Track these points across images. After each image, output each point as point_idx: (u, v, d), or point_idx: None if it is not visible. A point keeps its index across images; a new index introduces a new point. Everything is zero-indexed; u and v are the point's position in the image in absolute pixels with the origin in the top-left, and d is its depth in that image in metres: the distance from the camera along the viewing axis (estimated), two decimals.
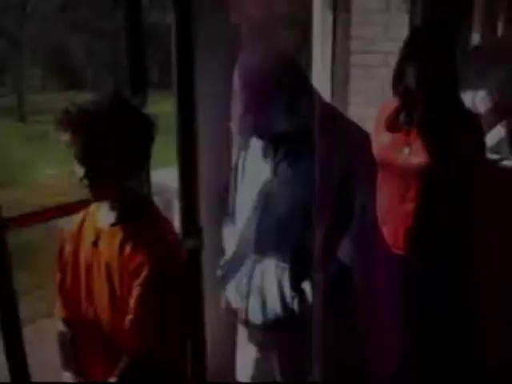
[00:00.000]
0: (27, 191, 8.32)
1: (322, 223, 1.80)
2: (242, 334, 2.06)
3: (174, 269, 1.58)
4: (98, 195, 1.56)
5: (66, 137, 1.48)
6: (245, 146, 2.00)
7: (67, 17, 14.73)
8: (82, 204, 1.77)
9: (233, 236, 2.03)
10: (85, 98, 1.52)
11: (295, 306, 1.82)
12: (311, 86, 1.85)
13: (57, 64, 16.61)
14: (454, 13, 3.48)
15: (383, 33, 3.35)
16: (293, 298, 1.82)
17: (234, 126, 1.81)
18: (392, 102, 2.38)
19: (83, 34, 14.53)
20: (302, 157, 1.82)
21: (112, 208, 1.59)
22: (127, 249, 1.53)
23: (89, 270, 1.62)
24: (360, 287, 1.84)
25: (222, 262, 2.05)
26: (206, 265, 2.33)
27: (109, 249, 1.57)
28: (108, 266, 1.56)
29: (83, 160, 1.48)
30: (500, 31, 4.98)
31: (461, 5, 3.55)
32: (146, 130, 1.55)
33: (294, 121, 1.74)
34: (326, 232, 1.81)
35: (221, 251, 2.11)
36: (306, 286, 1.83)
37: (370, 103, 3.43)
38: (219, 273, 2.04)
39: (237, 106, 1.77)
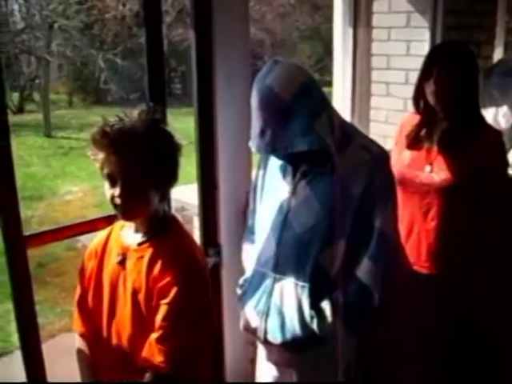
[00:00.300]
0: (52, 206, 8.43)
1: (340, 242, 1.80)
2: (262, 352, 2.05)
3: (201, 287, 1.61)
4: (128, 215, 1.58)
5: (100, 156, 1.51)
6: (263, 165, 2.01)
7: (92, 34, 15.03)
8: (106, 221, 1.80)
9: (252, 254, 2.02)
10: (118, 115, 1.54)
11: (314, 325, 1.81)
12: (329, 104, 1.85)
13: (82, 81, 16.94)
14: (476, 29, 3.47)
15: (404, 49, 3.36)
16: (312, 317, 1.81)
17: (253, 144, 1.81)
18: (412, 119, 2.38)
19: (107, 51, 14.79)
20: (321, 176, 1.82)
21: (139, 227, 1.62)
22: (156, 268, 1.55)
23: (113, 287, 1.63)
24: (380, 307, 1.81)
25: (241, 281, 2.05)
26: (226, 283, 2.34)
27: (136, 267, 1.59)
28: (135, 284, 1.58)
29: (119, 179, 1.50)
30: None
31: (483, 21, 3.53)
32: (176, 149, 1.58)
33: (312, 140, 1.72)
34: (345, 251, 1.81)
35: (240, 270, 2.12)
36: (326, 305, 1.81)
37: (390, 120, 3.44)
38: (238, 291, 2.04)
39: (254, 125, 1.77)
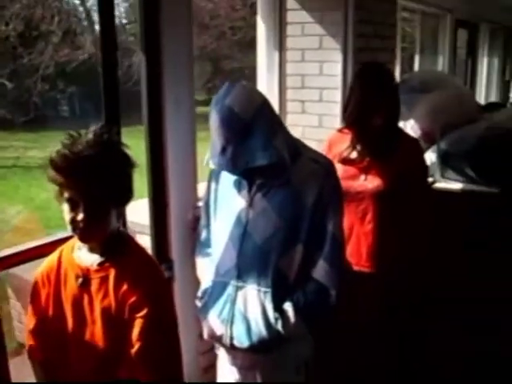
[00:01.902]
0: None
1: (298, 248, 1.95)
2: (223, 358, 2.15)
3: (169, 297, 1.71)
4: (90, 237, 1.60)
5: (60, 179, 1.51)
6: (215, 181, 2.12)
7: None
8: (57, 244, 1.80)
9: (208, 267, 2.12)
10: (71, 135, 1.54)
11: (279, 326, 1.94)
12: (282, 123, 2.01)
13: None
14: (380, 50, 3.80)
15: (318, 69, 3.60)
16: (276, 319, 1.94)
17: (213, 162, 1.91)
18: (340, 136, 2.62)
19: None
20: (276, 188, 1.96)
21: (95, 247, 1.64)
22: (124, 285, 1.59)
23: (77, 310, 1.63)
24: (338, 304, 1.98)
25: (199, 293, 2.14)
26: (178, 297, 2.41)
27: (102, 287, 1.61)
28: (104, 303, 1.60)
29: (81, 203, 1.52)
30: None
31: (385, 43, 3.87)
32: (131, 167, 1.62)
33: (271, 154, 1.87)
34: (302, 255, 1.96)
35: (192, 283, 2.22)
36: (288, 306, 1.95)
37: (306, 136, 3.67)
38: (198, 303, 2.12)
39: (215, 143, 1.88)
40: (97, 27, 18.34)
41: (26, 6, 14.21)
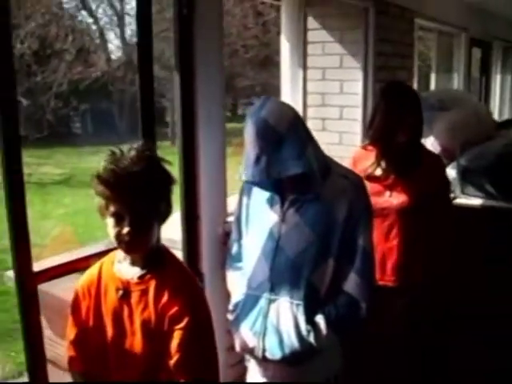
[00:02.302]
0: None
1: (329, 262, 2.00)
2: (254, 370, 2.18)
3: (207, 309, 1.74)
4: (135, 250, 1.65)
5: (107, 194, 1.57)
6: (247, 196, 2.17)
7: None
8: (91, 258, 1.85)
9: (239, 280, 2.17)
10: (113, 152, 1.60)
11: (311, 338, 1.98)
12: (313, 137, 2.06)
13: None
14: (399, 69, 3.87)
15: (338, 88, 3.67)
16: (308, 331, 1.98)
17: (246, 173, 1.96)
18: (365, 153, 2.67)
19: None
20: (308, 204, 2.01)
21: (137, 260, 1.69)
22: (164, 297, 1.64)
23: (118, 322, 1.68)
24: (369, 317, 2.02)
25: (231, 307, 2.18)
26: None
27: (142, 299, 1.66)
28: (144, 316, 1.65)
29: (127, 217, 1.57)
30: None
31: (404, 63, 3.94)
32: (172, 183, 1.69)
33: (304, 164, 1.91)
34: (333, 269, 2.01)
35: (222, 296, 2.27)
36: (320, 319, 2.00)
37: (326, 153, 3.73)
38: (230, 317, 2.17)
39: (249, 154, 1.93)
40: (110, 45, 18.62)
41: (41, 24, 14.45)
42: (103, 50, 16.95)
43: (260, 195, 2.11)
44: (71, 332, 1.75)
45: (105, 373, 1.71)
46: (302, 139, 1.96)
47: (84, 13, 16.88)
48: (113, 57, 17.72)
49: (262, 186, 2.07)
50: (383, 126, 2.51)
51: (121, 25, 17.25)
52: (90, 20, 16.90)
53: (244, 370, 2.27)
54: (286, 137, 1.90)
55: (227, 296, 2.24)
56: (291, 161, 1.90)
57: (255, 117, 1.92)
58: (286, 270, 2.01)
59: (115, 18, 17.49)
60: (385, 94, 2.58)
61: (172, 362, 1.63)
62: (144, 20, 2.10)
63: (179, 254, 2.42)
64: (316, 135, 3.72)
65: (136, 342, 1.66)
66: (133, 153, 1.61)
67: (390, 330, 2.60)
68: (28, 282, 1.80)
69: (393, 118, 2.48)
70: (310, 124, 3.77)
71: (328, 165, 2.07)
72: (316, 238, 1.99)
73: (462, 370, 3.05)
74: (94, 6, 17.09)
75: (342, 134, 3.72)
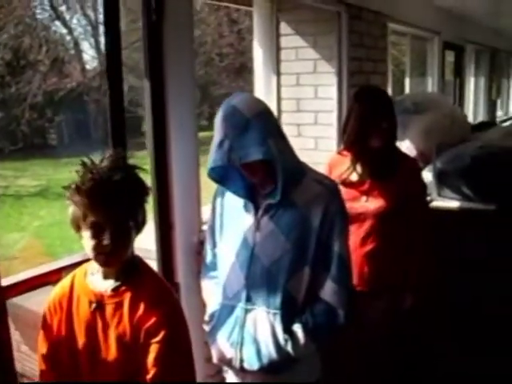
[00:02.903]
0: None
1: (305, 269, 1.96)
2: (232, 381, 2.14)
3: (184, 321, 1.70)
4: (114, 262, 1.61)
5: (84, 205, 1.53)
6: (220, 205, 2.13)
7: None
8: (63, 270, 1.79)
9: (215, 290, 2.12)
10: (85, 162, 1.57)
11: (289, 348, 1.94)
12: (283, 134, 2.01)
13: None
14: (372, 73, 3.87)
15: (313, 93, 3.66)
16: (286, 340, 1.94)
17: (210, 160, 1.91)
18: (339, 159, 2.65)
19: None
20: (282, 210, 1.97)
21: (110, 272, 1.64)
22: (139, 309, 1.60)
23: (91, 336, 1.63)
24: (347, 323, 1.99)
25: (207, 317, 2.14)
26: None
27: (117, 312, 1.61)
28: (118, 329, 1.61)
29: (107, 228, 1.53)
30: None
31: (377, 67, 3.94)
32: (147, 191, 1.66)
33: (265, 151, 1.85)
34: (309, 276, 1.97)
35: (197, 306, 2.22)
36: (297, 328, 1.96)
37: (302, 159, 3.71)
38: (206, 328, 2.12)
39: (215, 140, 1.89)
40: (84, 55, 18.45)
41: (14, 35, 14.28)
42: (78, 61, 16.77)
43: (233, 203, 2.07)
44: (42, 346, 1.70)
45: None
46: (269, 129, 1.90)
47: (58, 23, 16.69)
48: (88, 67, 17.54)
49: (235, 190, 2.03)
50: (357, 130, 2.49)
51: (95, 35, 17.08)
52: (64, 31, 16.71)
53: (223, 380, 2.22)
54: (251, 122, 1.86)
55: (203, 306, 2.19)
56: (253, 147, 1.85)
57: (225, 105, 1.91)
58: (262, 279, 1.97)
59: (89, 28, 17.33)
60: (358, 98, 2.57)
61: (149, 376, 1.59)
62: (112, 27, 2.05)
63: (153, 264, 2.37)
64: (291, 141, 3.75)
65: (111, 355, 1.62)
66: (107, 162, 1.58)
67: (370, 335, 2.58)
68: None
69: (367, 122, 2.46)
70: (285, 130, 3.74)
71: (302, 170, 2.04)
72: (291, 245, 1.95)
73: (448, 375, 3.04)
74: (67, 17, 16.91)
75: (317, 140, 3.71)
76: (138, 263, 1.71)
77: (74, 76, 16.17)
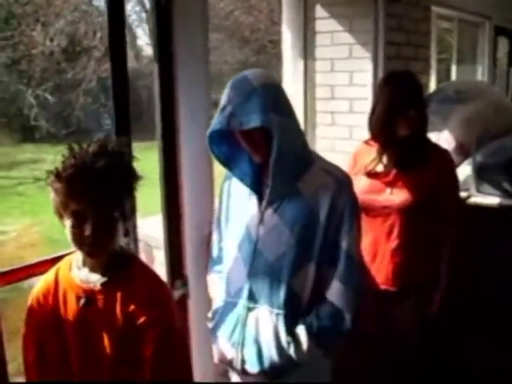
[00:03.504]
0: None
1: (310, 266, 1.83)
2: (236, 381, 2.04)
3: (177, 316, 1.61)
4: (97, 253, 1.52)
5: (65, 192, 1.45)
6: (226, 196, 2.01)
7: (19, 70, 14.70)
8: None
9: (219, 286, 2.02)
10: (72, 147, 1.49)
11: (291, 351, 1.81)
12: (293, 115, 1.86)
13: (8, 117, 16.43)
14: (412, 60, 3.67)
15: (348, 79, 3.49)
16: (288, 343, 1.82)
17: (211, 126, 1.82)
18: (365, 148, 2.49)
19: (36, 87, 14.49)
20: (286, 202, 1.84)
21: (97, 265, 1.56)
22: (131, 305, 1.52)
23: (81, 331, 1.55)
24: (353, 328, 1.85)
25: (210, 314, 2.03)
26: (193, 314, 2.32)
27: (108, 307, 1.53)
28: (110, 324, 1.53)
29: (89, 216, 1.45)
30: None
31: (418, 53, 3.74)
32: (136, 179, 1.56)
33: (265, 119, 1.73)
34: (315, 274, 1.84)
35: (207, 300, 2.11)
36: (301, 330, 1.83)
37: (336, 149, 3.55)
38: (209, 325, 2.02)
39: (220, 107, 1.80)
40: (138, 42, 18.68)
41: (70, 22, 14.56)
42: (132, 47, 16.99)
43: (238, 194, 1.96)
44: (29, 351, 1.60)
45: None
46: (275, 103, 1.77)
47: None
48: (141, 53, 17.76)
49: (241, 177, 1.91)
50: (382, 117, 2.33)
51: (149, 21, 17.25)
52: None
53: (229, 380, 2.13)
54: (257, 91, 1.75)
55: (211, 301, 2.09)
56: (255, 114, 1.73)
57: (237, 75, 1.83)
58: (265, 275, 1.85)
59: (143, 15, 17.52)
60: (384, 83, 2.41)
61: (144, 371, 1.52)
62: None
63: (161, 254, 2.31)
64: (325, 130, 3.61)
65: (102, 352, 1.54)
66: (94, 147, 1.49)
67: (394, 338, 2.44)
68: None
69: (392, 108, 2.29)
70: (319, 118, 3.60)
71: (310, 157, 1.90)
72: (296, 240, 1.82)
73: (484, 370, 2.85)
74: None
75: (351, 129, 3.54)
76: (128, 256, 1.62)
77: (128, 62, 16.38)
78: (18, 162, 13.14)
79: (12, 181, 11.32)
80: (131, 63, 16.42)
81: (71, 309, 1.56)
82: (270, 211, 1.86)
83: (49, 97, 14.11)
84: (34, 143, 14.45)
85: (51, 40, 14.17)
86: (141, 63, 17.12)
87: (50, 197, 1.51)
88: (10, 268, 1.86)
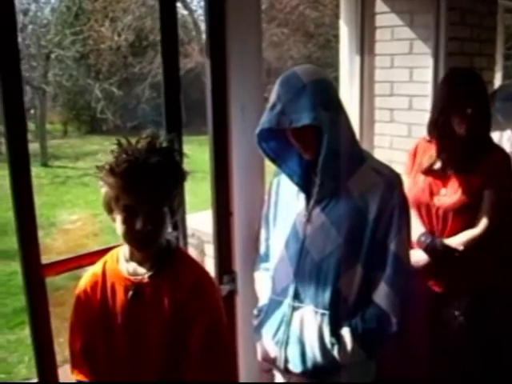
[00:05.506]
0: (50, 235, 8.38)
1: (357, 267, 1.80)
2: (279, 380, 2.03)
3: (223, 311, 1.64)
4: (149, 246, 1.55)
5: (118, 186, 1.48)
6: (275, 193, 2.01)
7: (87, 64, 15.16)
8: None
9: (266, 283, 2.01)
10: (121, 142, 1.52)
11: (335, 352, 1.79)
12: (342, 109, 1.83)
13: (77, 110, 17.00)
14: (477, 55, 3.53)
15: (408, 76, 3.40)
16: (333, 344, 1.79)
17: (260, 123, 1.81)
18: (424, 146, 2.42)
19: (103, 81, 14.91)
20: (334, 202, 1.82)
21: (145, 258, 1.59)
22: (179, 297, 1.54)
23: (129, 323, 1.58)
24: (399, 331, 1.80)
25: (255, 311, 2.03)
26: (241, 311, 2.32)
27: (156, 299, 1.56)
28: (158, 315, 1.56)
29: (141, 211, 1.48)
30: None
31: (483, 48, 3.59)
32: (184, 175, 1.59)
33: (315, 117, 1.71)
34: (361, 276, 1.81)
35: (255, 297, 2.10)
36: (345, 332, 1.80)
37: (394, 146, 3.47)
38: (254, 322, 2.02)
39: (269, 104, 1.79)
40: (204, 36, 18.91)
41: (138, 17, 14.87)
42: (197, 41, 17.18)
43: (287, 192, 1.95)
44: (76, 341, 1.64)
45: (117, 377, 1.62)
46: (325, 99, 1.75)
47: (179, 4, 17.17)
48: None
49: (290, 174, 1.90)
50: (438, 115, 2.26)
51: None
52: (185, 12, 17.14)
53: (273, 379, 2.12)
54: (307, 87, 1.73)
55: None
56: (305, 112, 1.71)
57: (287, 71, 1.81)
58: (311, 275, 1.84)
59: None
60: (445, 81, 2.34)
61: (190, 362, 1.55)
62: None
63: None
64: (383, 127, 3.53)
65: (151, 343, 1.57)
66: (143, 143, 1.53)
67: (445, 344, 2.36)
68: (35, 274, 1.74)
69: (449, 106, 2.22)
70: (378, 115, 3.53)
71: (361, 155, 1.86)
72: (343, 240, 1.79)
73: None
74: None
75: (410, 126, 3.44)
76: (175, 250, 1.65)
77: (193, 56, 16.58)
78: (85, 154, 13.57)
79: (78, 172, 11.70)
80: (196, 58, 16.61)
81: (119, 301, 1.59)
82: (317, 210, 1.83)
83: (115, 90, 14.48)
84: (101, 135, 14.88)
85: (119, 35, 14.53)
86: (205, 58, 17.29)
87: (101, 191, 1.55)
88: (68, 256, 1.92)
